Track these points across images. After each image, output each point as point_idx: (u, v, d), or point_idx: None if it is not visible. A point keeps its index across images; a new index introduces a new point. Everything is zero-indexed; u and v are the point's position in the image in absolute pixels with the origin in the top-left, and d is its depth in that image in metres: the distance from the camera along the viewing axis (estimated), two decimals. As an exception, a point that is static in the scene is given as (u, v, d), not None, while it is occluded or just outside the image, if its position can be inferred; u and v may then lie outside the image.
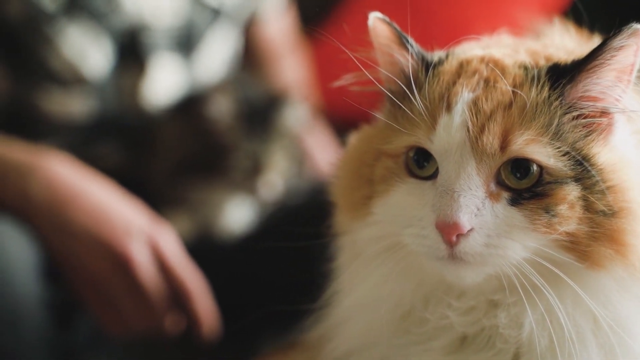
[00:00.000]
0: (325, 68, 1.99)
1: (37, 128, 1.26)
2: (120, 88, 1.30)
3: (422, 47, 0.74)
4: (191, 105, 1.31)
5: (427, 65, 0.72)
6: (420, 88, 0.70)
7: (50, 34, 1.23)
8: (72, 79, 1.26)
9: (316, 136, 1.52)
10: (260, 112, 1.29)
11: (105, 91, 1.29)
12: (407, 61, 0.72)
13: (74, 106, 1.27)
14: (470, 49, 0.74)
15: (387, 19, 0.73)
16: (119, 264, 1.06)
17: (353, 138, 0.80)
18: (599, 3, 2.14)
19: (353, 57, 0.74)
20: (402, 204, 0.70)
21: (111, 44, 1.27)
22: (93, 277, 1.07)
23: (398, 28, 0.73)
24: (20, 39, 1.23)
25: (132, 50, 1.30)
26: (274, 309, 1.33)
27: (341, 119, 1.75)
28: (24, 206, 1.06)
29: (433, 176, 0.69)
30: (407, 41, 0.72)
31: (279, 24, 1.56)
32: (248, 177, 1.29)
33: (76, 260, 1.07)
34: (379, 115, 0.76)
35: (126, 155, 1.32)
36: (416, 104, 0.69)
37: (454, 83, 0.69)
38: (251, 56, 1.54)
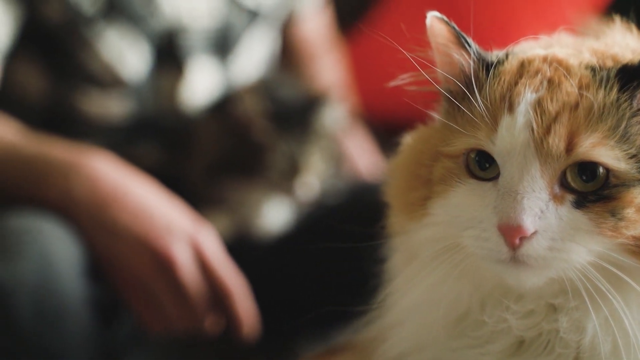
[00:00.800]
0: (360, 68, 1.99)
1: (75, 129, 1.27)
2: (158, 90, 1.30)
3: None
4: (226, 106, 1.30)
5: (487, 66, 0.71)
6: (480, 88, 0.69)
7: (89, 37, 1.23)
8: (111, 81, 1.26)
9: (354, 137, 1.51)
10: (297, 113, 1.29)
11: (143, 93, 1.29)
12: (467, 61, 0.71)
13: (112, 108, 1.27)
14: (530, 49, 0.73)
15: (446, 18, 0.72)
16: (161, 263, 1.06)
17: (408, 138, 0.79)
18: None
19: (410, 57, 0.73)
20: (462, 205, 0.69)
21: (149, 46, 1.27)
22: (135, 276, 1.07)
23: (457, 27, 0.72)
24: (59, 41, 1.23)
25: (169, 53, 1.30)
26: (313, 310, 1.33)
27: (378, 120, 1.74)
28: (68, 205, 1.06)
29: (495, 177, 0.68)
30: (466, 41, 0.71)
31: (316, 24, 1.56)
32: (285, 178, 1.29)
33: (119, 260, 1.07)
34: (437, 116, 0.75)
35: (164, 156, 1.32)
36: (476, 104, 0.68)
37: (516, 83, 0.68)
38: (288, 56, 1.54)
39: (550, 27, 2.18)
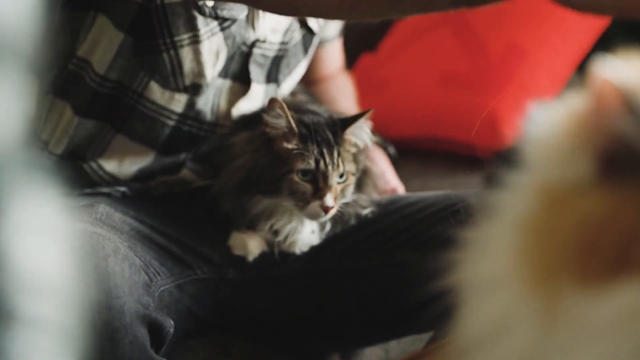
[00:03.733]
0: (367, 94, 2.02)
1: (126, 112, 1.28)
2: (219, 99, 1.32)
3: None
4: (259, 121, 1.32)
5: None
6: None
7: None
8: (189, 83, 1.27)
9: (375, 154, 1.54)
10: (326, 129, 1.30)
11: (208, 98, 1.31)
12: None
13: (174, 104, 1.29)
14: None
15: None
16: None
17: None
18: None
19: None
20: None
21: (227, 54, 1.29)
22: None
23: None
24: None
25: (241, 68, 1.32)
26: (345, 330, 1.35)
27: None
28: None
29: None
30: None
31: (335, 47, 1.60)
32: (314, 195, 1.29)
33: None
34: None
35: (199, 169, 1.35)
36: None
37: None
38: (309, 77, 1.57)
39: (555, 48, 2.22)
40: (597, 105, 0.60)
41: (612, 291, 0.55)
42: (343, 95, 1.58)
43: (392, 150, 1.51)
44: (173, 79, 1.26)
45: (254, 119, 1.31)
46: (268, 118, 1.24)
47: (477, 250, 0.65)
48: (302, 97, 1.43)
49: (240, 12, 1.26)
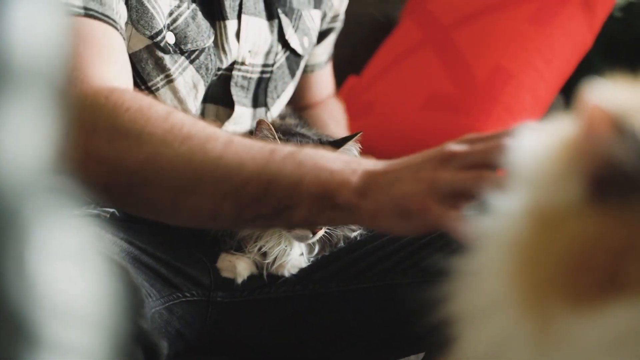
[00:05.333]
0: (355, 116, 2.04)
1: None
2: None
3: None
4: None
5: None
6: None
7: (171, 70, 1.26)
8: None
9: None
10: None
11: None
12: None
13: None
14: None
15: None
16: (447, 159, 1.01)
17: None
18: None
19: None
20: None
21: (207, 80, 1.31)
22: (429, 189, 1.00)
23: None
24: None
25: (223, 91, 1.34)
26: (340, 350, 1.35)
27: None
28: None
29: None
30: None
31: (327, 72, 1.61)
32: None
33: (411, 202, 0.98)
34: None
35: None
36: None
37: None
38: (301, 103, 1.59)
39: (539, 71, 2.24)
40: (588, 130, 0.61)
41: (603, 312, 0.56)
42: (334, 119, 1.59)
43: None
44: None
45: None
46: (256, 139, 1.25)
47: (471, 275, 0.66)
48: (291, 121, 1.44)
49: (204, 40, 1.28)
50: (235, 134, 1.02)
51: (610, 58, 2.24)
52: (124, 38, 1.17)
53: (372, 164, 0.92)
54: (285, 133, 1.30)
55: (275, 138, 1.24)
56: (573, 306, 0.57)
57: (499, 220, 0.66)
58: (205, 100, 1.34)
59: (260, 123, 1.24)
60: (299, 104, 1.56)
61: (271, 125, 1.24)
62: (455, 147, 0.87)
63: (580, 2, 2.10)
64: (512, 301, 0.62)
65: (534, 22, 2.08)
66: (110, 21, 1.14)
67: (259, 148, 0.95)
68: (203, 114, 1.34)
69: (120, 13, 1.16)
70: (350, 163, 0.92)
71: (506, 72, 2.04)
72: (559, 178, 0.62)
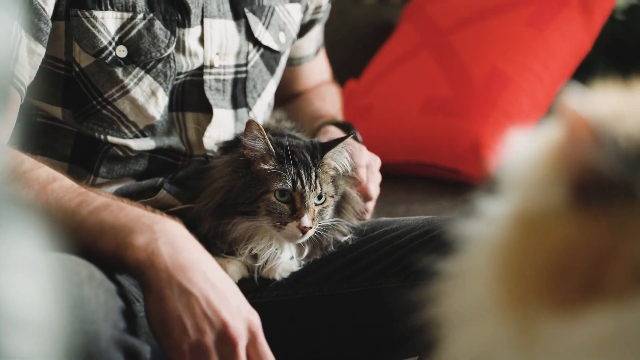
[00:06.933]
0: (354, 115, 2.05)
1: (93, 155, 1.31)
2: (188, 133, 1.34)
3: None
4: (236, 144, 1.33)
5: None
6: None
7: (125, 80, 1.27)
8: (139, 121, 1.29)
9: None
10: (305, 152, 1.30)
11: (168, 132, 1.32)
12: None
13: (144, 145, 1.30)
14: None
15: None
16: (225, 339, 1.06)
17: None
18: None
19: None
20: None
21: (171, 86, 1.31)
22: (196, 344, 1.06)
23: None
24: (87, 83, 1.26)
25: (198, 97, 1.34)
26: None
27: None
28: (149, 265, 1.07)
29: None
30: None
31: (316, 64, 1.62)
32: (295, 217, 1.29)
33: (182, 324, 1.06)
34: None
35: (177, 194, 1.36)
36: None
37: None
38: (289, 92, 1.59)
39: (537, 75, 2.25)
40: (569, 137, 0.61)
41: (584, 316, 0.57)
42: (319, 96, 1.58)
43: (359, 136, 1.50)
44: (126, 128, 1.29)
45: (234, 144, 1.32)
46: (246, 140, 1.25)
47: (457, 278, 0.67)
48: (287, 124, 1.44)
49: (160, 51, 1.28)
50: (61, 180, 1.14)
51: (612, 60, 2.24)
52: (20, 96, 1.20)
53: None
54: (275, 134, 1.30)
55: (265, 138, 1.24)
56: (555, 310, 0.58)
57: (487, 223, 0.67)
58: (183, 109, 1.34)
59: (250, 124, 1.24)
60: (287, 93, 1.56)
61: (260, 126, 1.24)
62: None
63: (578, 5, 2.11)
64: (496, 305, 0.62)
65: (531, 26, 2.08)
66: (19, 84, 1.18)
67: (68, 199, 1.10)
68: (184, 124, 1.34)
69: (28, 72, 1.20)
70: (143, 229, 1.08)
71: (504, 75, 2.05)
72: (542, 183, 0.63)
